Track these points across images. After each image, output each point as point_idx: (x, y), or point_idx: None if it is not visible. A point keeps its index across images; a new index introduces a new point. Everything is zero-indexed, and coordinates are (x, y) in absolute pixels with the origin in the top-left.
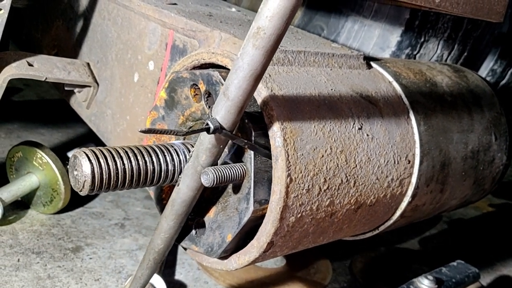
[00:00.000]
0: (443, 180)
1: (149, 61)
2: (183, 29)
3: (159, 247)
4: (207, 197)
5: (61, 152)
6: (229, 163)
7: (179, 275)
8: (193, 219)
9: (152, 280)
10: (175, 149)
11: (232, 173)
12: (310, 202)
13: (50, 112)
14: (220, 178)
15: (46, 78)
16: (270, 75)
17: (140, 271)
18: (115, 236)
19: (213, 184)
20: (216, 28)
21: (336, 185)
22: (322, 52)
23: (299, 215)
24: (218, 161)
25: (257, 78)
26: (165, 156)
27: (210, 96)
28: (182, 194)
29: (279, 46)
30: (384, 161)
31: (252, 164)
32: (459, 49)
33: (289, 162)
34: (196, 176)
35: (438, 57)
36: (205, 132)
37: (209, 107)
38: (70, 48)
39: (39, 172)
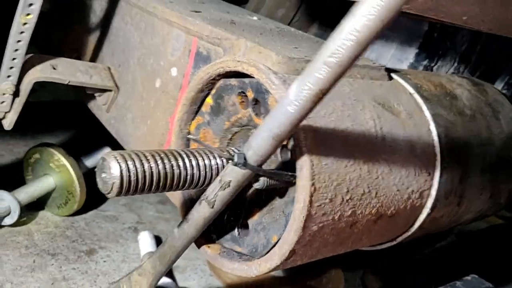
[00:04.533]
0: (461, 193)
1: (172, 67)
2: (207, 36)
3: (181, 247)
4: (250, 200)
5: (76, 154)
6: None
7: (191, 281)
8: (236, 221)
9: (162, 282)
10: (208, 155)
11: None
12: (332, 212)
13: (65, 114)
14: (270, 182)
15: (69, 82)
16: None
17: (153, 262)
18: (129, 240)
19: (264, 187)
20: (241, 37)
21: (358, 196)
22: None
23: (321, 224)
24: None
25: (304, 116)
26: (197, 160)
27: (257, 104)
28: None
29: (304, 56)
30: (406, 172)
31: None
32: (476, 62)
33: (314, 172)
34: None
35: (455, 70)
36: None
37: (256, 114)
38: (90, 52)
39: (55, 174)
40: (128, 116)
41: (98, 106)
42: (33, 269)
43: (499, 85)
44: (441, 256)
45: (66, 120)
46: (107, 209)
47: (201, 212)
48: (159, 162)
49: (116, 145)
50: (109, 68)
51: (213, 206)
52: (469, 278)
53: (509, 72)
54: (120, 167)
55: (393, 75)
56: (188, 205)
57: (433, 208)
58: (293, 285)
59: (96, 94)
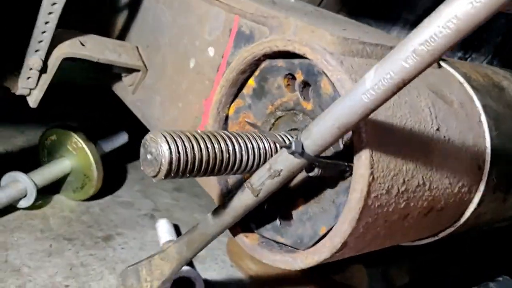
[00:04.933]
0: (506, 189)
1: (209, 47)
2: (252, 14)
3: (212, 235)
4: (294, 188)
5: (92, 138)
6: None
7: (212, 271)
8: (277, 209)
9: (190, 275)
10: (256, 138)
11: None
12: (387, 204)
13: (79, 97)
14: (323, 172)
15: (98, 60)
16: (352, 67)
17: (179, 247)
18: (146, 227)
19: (317, 175)
20: (290, 15)
21: (413, 187)
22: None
23: (376, 216)
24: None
25: (378, 107)
26: (246, 144)
27: (305, 87)
28: None
29: (357, 37)
30: (458, 165)
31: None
32: (510, 55)
33: (373, 160)
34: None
35: (488, 62)
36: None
37: (304, 98)
38: (117, 31)
39: (72, 157)
40: (156, 99)
41: (123, 87)
42: (50, 253)
43: None
44: (468, 251)
45: (81, 103)
46: (122, 195)
47: (243, 200)
48: (209, 143)
49: (134, 130)
50: (137, 48)
51: (257, 195)
52: (500, 279)
53: None
54: (169, 146)
55: (441, 63)
56: (224, 193)
57: (480, 203)
58: (316, 279)
59: (122, 74)
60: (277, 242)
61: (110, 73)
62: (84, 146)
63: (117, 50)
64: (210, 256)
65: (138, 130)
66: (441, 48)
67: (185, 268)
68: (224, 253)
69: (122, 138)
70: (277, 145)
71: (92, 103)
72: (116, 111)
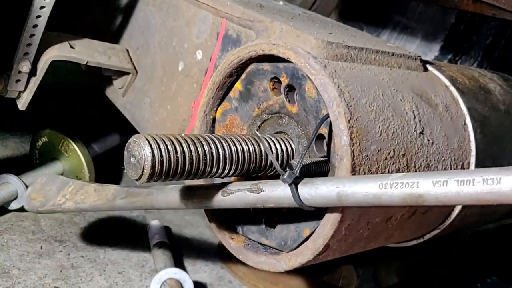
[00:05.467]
0: None
1: (197, 50)
2: (239, 18)
3: (152, 207)
4: None
5: (84, 139)
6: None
7: (202, 273)
8: (263, 212)
9: (179, 277)
10: (240, 141)
11: (317, 168)
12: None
13: (71, 98)
14: (306, 173)
15: (87, 62)
16: (335, 71)
17: (118, 193)
18: (137, 229)
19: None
20: (275, 19)
21: None
22: (382, 50)
23: (358, 218)
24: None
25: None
26: (230, 147)
27: (291, 90)
28: None
29: (342, 41)
30: (442, 168)
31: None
32: (500, 58)
33: (354, 163)
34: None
35: (478, 64)
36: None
37: (289, 101)
38: (107, 33)
39: (64, 159)
40: (146, 101)
41: (113, 90)
42: (41, 255)
43: None
44: (455, 253)
45: (73, 104)
46: None
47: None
48: (192, 146)
49: (126, 132)
50: (127, 50)
51: (227, 195)
52: (489, 280)
53: None
54: (152, 149)
55: (427, 66)
56: None
57: (465, 205)
58: (306, 280)
59: (112, 77)
60: (262, 244)
61: (101, 75)
62: (76, 147)
63: (107, 52)
64: (201, 258)
65: (133, 129)
66: None
67: (174, 269)
68: (215, 255)
69: (115, 140)
70: (262, 148)
71: (86, 100)
72: (111, 108)
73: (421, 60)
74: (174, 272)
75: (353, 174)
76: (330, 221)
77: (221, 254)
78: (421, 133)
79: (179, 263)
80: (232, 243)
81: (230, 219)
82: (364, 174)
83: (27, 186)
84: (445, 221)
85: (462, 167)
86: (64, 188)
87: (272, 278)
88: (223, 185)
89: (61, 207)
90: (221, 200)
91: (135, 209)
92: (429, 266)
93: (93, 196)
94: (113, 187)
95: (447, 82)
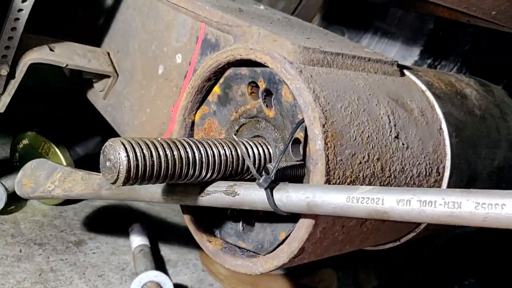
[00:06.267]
0: None
1: (177, 54)
2: (217, 22)
3: (136, 199)
4: None
5: (66, 142)
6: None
7: (183, 276)
8: (240, 215)
9: (159, 280)
10: (217, 146)
11: (293, 172)
12: None
13: (54, 101)
14: (281, 177)
15: (67, 65)
16: (311, 76)
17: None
18: (119, 232)
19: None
20: (253, 24)
21: None
22: (359, 55)
23: (332, 222)
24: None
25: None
26: (206, 151)
27: (268, 95)
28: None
29: (318, 47)
30: (417, 171)
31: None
32: (478, 63)
33: (329, 167)
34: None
35: (458, 70)
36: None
37: (267, 105)
38: (88, 36)
39: None
40: (126, 104)
41: (94, 92)
42: (20, 259)
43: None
44: (437, 255)
45: (55, 107)
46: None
47: (188, 192)
48: (168, 150)
49: (108, 134)
50: (108, 53)
51: (204, 195)
52: (467, 283)
53: (509, 74)
54: (128, 153)
55: (405, 71)
56: None
57: None
58: (286, 283)
59: (93, 80)
60: (240, 248)
61: (82, 78)
62: (57, 150)
63: (87, 55)
64: (182, 261)
65: (116, 132)
66: None
67: (155, 272)
68: (195, 258)
69: (97, 142)
70: (239, 152)
71: (67, 103)
72: (93, 110)
73: (398, 65)
74: (155, 275)
75: (327, 178)
76: (305, 224)
77: (202, 257)
78: (396, 137)
79: (160, 266)
80: (210, 246)
81: (208, 222)
82: (339, 178)
83: (7, 189)
84: (420, 224)
85: (437, 171)
86: (52, 174)
87: (252, 281)
88: (204, 184)
89: (50, 194)
90: (199, 199)
91: (119, 199)
92: (401, 270)
93: (80, 184)
94: (99, 176)
95: (424, 87)
